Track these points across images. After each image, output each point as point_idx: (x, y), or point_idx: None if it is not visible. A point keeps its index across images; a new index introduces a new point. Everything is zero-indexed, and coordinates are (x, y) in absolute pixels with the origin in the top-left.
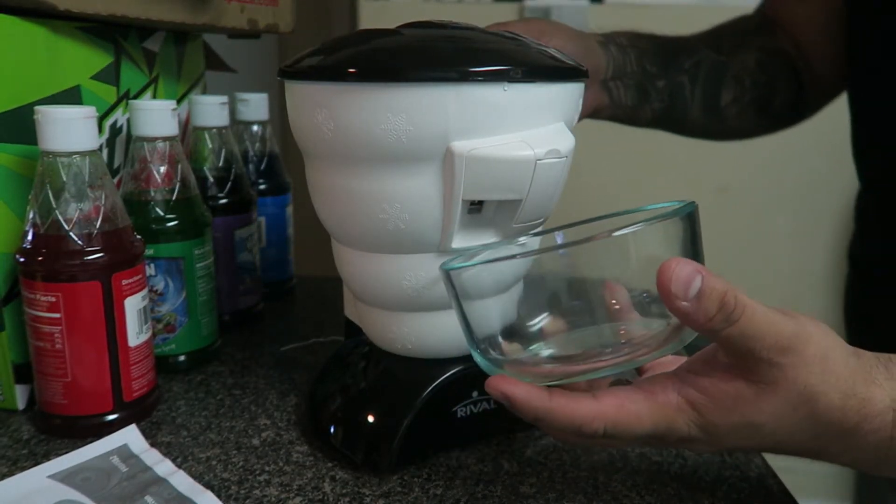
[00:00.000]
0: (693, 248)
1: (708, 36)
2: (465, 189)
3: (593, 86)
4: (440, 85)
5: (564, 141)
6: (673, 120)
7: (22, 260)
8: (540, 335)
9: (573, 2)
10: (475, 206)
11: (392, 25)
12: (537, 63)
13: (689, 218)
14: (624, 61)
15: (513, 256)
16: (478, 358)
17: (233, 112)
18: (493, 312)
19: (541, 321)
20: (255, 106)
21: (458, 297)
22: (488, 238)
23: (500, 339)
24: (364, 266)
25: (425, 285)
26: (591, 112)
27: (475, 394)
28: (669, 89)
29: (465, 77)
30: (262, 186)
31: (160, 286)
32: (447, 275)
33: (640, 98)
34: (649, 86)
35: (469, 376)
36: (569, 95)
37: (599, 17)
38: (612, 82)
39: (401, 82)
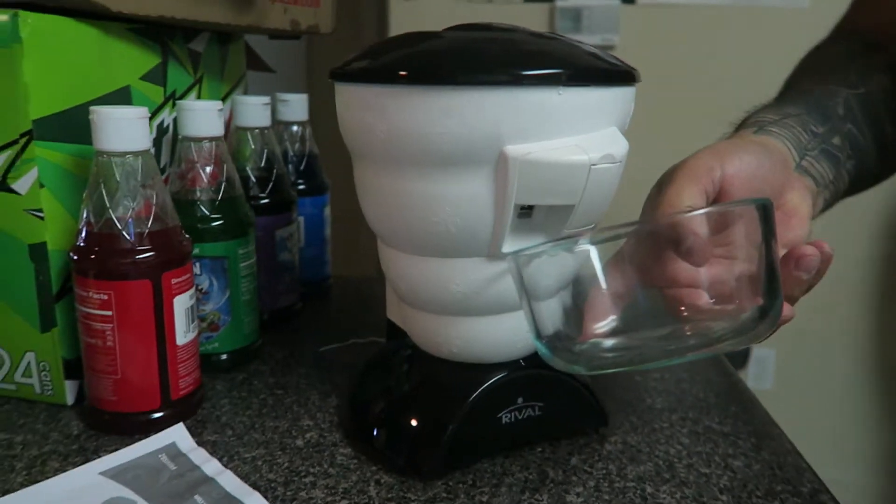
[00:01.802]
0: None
1: (822, 73)
2: (519, 193)
3: (798, 182)
4: (494, 89)
5: (618, 146)
6: (864, 174)
7: (75, 257)
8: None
9: (604, 2)
10: (525, 211)
11: (423, 27)
12: (591, 66)
13: (764, 210)
14: (795, 136)
15: (584, 241)
16: (542, 350)
17: (273, 112)
18: (559, 303)
19: (608, 323)
20: (295, 106)
21: (524, 286)
22: (537, 239)
23: (564, 329)
24: (412, 269)
25: (474, 290)
26: (817, 213)
27: (520, 400)
28: (848, 142)
29: (519, 81)
30: (301, 187)
31: (205, 285)
32: (515, 262)
33: (834, 164)
34: (830, 147)
35: (514, 381)
36: (622, 99)
37: (630, 17)
38: (805, 163)
39: (455, 85)
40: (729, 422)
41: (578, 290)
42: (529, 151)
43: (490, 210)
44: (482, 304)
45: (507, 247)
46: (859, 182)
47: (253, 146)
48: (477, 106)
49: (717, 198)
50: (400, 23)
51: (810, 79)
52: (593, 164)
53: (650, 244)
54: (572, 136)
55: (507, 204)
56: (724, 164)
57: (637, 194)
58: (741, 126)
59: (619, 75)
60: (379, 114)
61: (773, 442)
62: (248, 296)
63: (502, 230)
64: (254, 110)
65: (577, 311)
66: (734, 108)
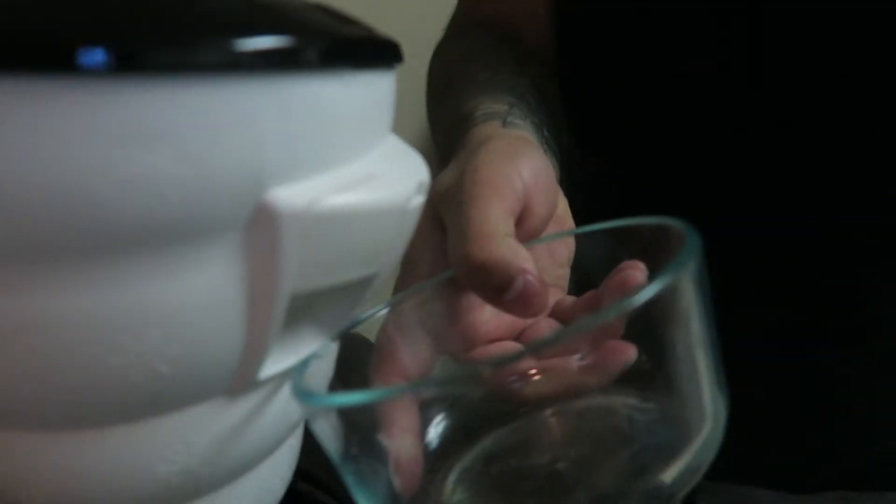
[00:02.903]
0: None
1: (487, 62)
2: (300, 274)
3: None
4: (244, 80)
5: (419, 165)
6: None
7: None
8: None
9: None
10: None
11: None
12: (371, 36)
13: (700, 278)
14: (532, 129)
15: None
16: None
17: None
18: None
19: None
20: None
21: (353, 452)
22: (310, 346)
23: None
24: (68, 456)
25: (207, 459)
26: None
27: None
28: (551, 134)
29: (287, 60)
30: None
31: None
32: (338, 417)
33: (556, 161)
34: (547, 142)
35: None
36: (393, 91)
37: None
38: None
39: (157, 71)
40: None
41: None
42: (315, 197)
43: (239, 316)
44: (217, 476)
45: (270, 368)
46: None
47: None
48: (213, 117)
49: (521, 216)
50: None
51: (481, 67)
52: (408, 202)
53: (444, 301)
54: (351, 160)
55: (273, 298)
56: (521, 172)
57: None
58: (470, 119)
59: (396, 49)
60: None
61: None
62: None
63: (263, 344)
64: None
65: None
66: None
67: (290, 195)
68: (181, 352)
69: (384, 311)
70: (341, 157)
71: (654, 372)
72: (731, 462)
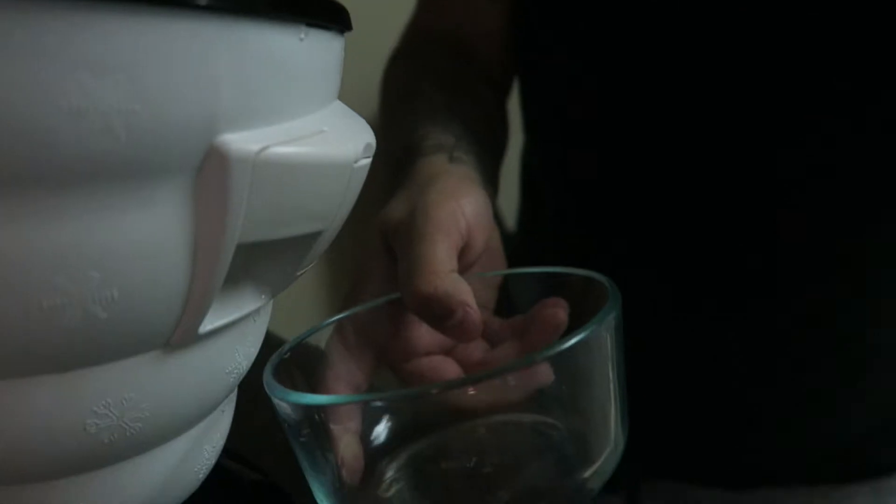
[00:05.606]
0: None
1: (442, 83)
2: (248, 223)
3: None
4: (200, 18)
5: (366, 128)
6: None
7: None
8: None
9: None
10: None
11: None
12: (328, 1)
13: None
14: (477, 164)
15: None
16: None
17: None
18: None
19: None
20: None
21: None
22: (251, 303)
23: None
24: None
25: (135, 417)
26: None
27: None
28: (487, 164)
29: (253, 8)
30: None
31: None
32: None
33: (494, 192)
34: (488, 175)
35: None
36: (342, 56)
37: None
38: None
39: (109, 3)
40: None
41: None
42: (267, 144)
43: (183, 263)
44: (149, 435)
45: (210, 321)
46: None
47: None
48: (170, 52)
49: (462, 250)
50: None
51: (437, 87)
52: (356, 162)
53: (388, 318)
54: (300, 116)
55: (220, 246)
56: (464, 211)
57: None
58: (419, 148)
59: (346, 16)
60: None
61: None
62: None
63: (207, 295)
64: None
65: None
66: None
67: (241, 140)
68: (120, 297)
69: (335, 323)
70: (292, 112)
71: (572, 400)
72: (669, 460)
